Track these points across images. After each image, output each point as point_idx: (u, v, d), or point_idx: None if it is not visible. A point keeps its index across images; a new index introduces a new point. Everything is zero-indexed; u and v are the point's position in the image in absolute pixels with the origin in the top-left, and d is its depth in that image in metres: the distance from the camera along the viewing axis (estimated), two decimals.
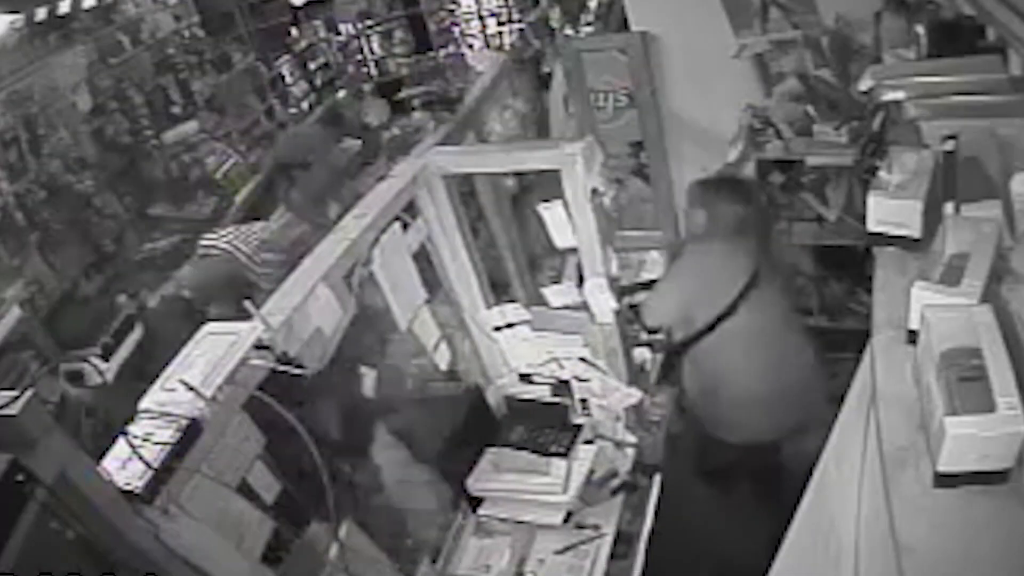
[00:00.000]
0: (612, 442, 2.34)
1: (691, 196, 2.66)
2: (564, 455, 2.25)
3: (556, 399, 2.34)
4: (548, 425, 2.34)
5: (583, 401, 2.32)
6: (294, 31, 8.62)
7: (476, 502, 2.27)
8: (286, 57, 8.21)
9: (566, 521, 2.17)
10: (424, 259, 2.17)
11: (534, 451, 2.28)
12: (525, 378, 2.36)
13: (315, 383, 1.58)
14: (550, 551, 2.13)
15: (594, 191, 1.99)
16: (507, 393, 2.42)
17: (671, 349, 2.62)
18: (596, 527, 2.17)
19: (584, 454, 2.27)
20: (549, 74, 4.21)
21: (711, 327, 2.48)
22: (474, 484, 2.26)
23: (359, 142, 5.87)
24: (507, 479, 2.24)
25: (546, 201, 2.07)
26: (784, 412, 2.49)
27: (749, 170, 3.17)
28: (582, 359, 2.23)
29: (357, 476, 2.00)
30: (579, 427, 2.32)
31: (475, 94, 2.94)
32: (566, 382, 2.30)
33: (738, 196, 2.58)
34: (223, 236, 2.55)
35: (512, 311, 2.28)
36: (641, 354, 2.57)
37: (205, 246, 2.54)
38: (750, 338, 2.47)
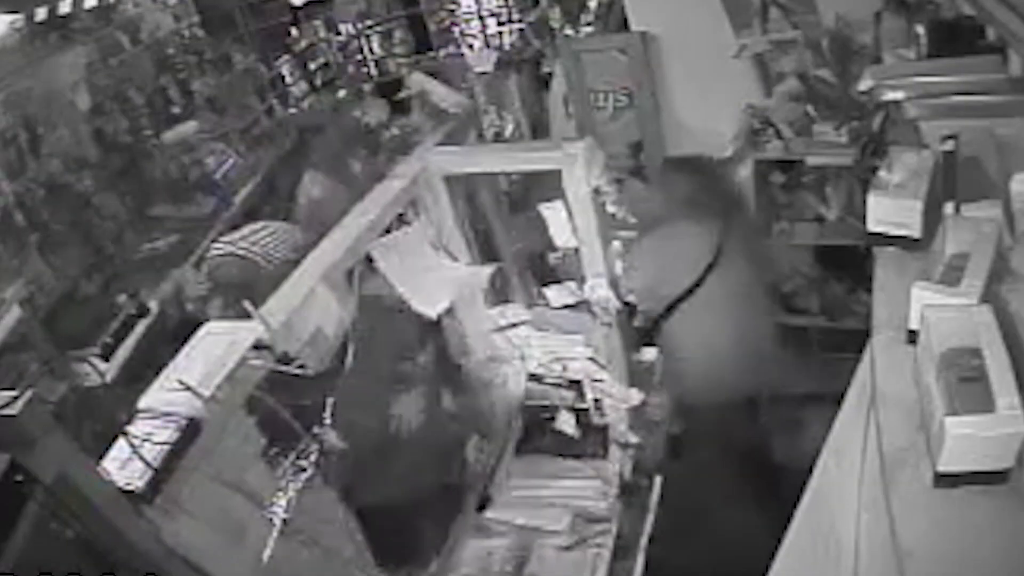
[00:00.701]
0: (617, 443, 2.33)
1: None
2: (602, 456, 2.25)
3: (575, 404, 2.32)
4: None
5: (596, 401, 2.31)
6: (294, 31, 8.61)
7: (481, 503, 2.26)
8: (286, 57, 8.20)
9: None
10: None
11: (561, 454, 2.28)
12: (534, 378, 2.35)
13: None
14: (551, 551, 2.12)
15: (596, 190, 1.99)
16: (518, 396, 2.40)
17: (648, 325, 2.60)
18: (598, 527, 2.17)
19: (613, 454, 2.27)
20: (549, 74, 4.21)
21: (672, 305, 2.48)
22: (510, 493, 2.24)
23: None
24: (544, 484, 2.24)
25: (547, 201, 2.07)
26: (749, 372, 2.50)
27: (746, 168, 3.17)
28: (591, 359, 2.22)
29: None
30: (604, 428, 2.31)
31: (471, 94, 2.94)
32: (577, 382, 2.29)
33: (698, 175, 2.57)
34: (235, 240, 2.54)
35: (512, 311, 2.28)
36: (650, 354, 2.56)
37: (218, 253, 2.52)
38: (713, 308, 2.47)
